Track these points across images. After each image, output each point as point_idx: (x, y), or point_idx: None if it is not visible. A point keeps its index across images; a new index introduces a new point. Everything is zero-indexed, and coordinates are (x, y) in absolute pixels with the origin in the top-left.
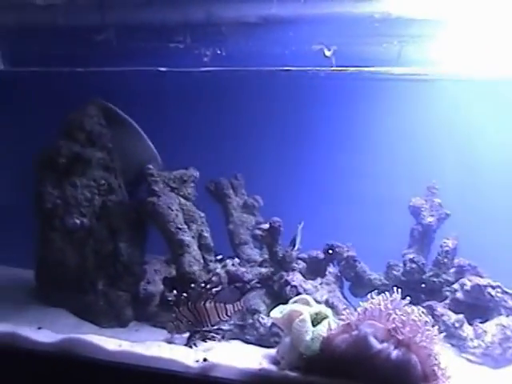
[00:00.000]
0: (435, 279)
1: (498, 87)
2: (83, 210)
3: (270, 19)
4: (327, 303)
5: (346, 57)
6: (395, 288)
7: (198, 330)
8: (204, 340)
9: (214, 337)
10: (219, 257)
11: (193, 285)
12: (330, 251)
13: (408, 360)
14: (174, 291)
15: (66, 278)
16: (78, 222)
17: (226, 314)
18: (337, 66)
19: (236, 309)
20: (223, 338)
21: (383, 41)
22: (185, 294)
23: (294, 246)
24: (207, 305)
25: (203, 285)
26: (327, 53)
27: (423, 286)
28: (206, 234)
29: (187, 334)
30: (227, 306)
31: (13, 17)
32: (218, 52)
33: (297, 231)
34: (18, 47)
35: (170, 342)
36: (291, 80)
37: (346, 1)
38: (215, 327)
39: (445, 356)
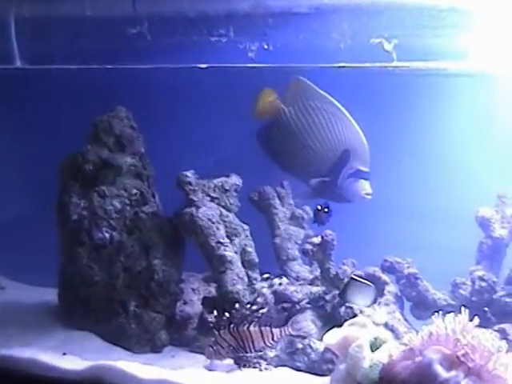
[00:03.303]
0: (508, 299)
1: None
2: (112, 222)
3: (323, 9)
4: (386, 326)
5: (408, 50)
6: (463, 309)
7: (241, 356)
8: (249, 367)
9: (258, 364)
10: (266, 275)
11: (236, 305)
12: (326, 209)
13: None
14: (215, 312)
15: (93, 298)
16: (106, 235)
17: (273, 339)
18: (399, 61)
19: (283, 334)
20: (268, 364)
21: (450, 33)
22: (226, 315)
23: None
24: (251, 328)
25: (247, 306)
26: (387, 46)
27: (485, 309)
28: (250, 249)
29: (228, 361)
30: (274, 330)
31: (33, 8)
32: (265, 47)
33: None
34: (38, 42)
35: (210, 369)
36: (347, 77)
37: None
38: (260, 353)
39: None
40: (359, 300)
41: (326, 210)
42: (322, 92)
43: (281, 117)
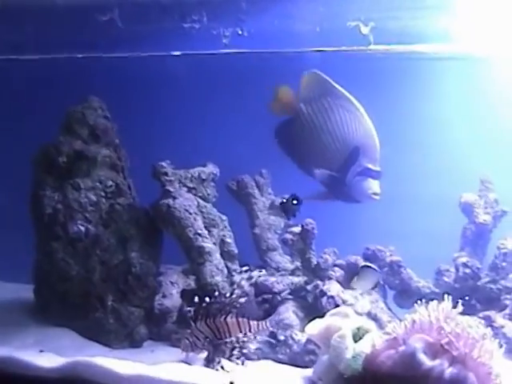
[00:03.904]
0: (492, 286)
1: None
2: (88, 215)
3: None
4: (369, 315)
5: (386, 34)
6: (446, 296)
7: (217, 347)
8: (228, 358)
9: (239, 356)
10: (245, 268)
11: (215, 294)
12: (294, 201)
13: (464, 379)
14: (196, 299)
15: (69, 293)
16: (82, 229)
17: (250, 331)
18: (376, 45)
19: (261, 327)
20: (248, 357)
21: (429, 14)
22: (204, 304)
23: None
24: (228, 319)
25: (225, 296)
26: (364, 30)
27: (466, 297)
28: (228, 240)
29: (205, 354)
30: (251, 322)
31: None
32: (239, 32)
33: None
34: (7, 31)
35: (189, 363)
36: (323, 62)
37: None
38: (239, 345)
39: (507, 374)
40: (362, 284)
41: (294, 201)
42: (337, 86)
43: (298, 114)
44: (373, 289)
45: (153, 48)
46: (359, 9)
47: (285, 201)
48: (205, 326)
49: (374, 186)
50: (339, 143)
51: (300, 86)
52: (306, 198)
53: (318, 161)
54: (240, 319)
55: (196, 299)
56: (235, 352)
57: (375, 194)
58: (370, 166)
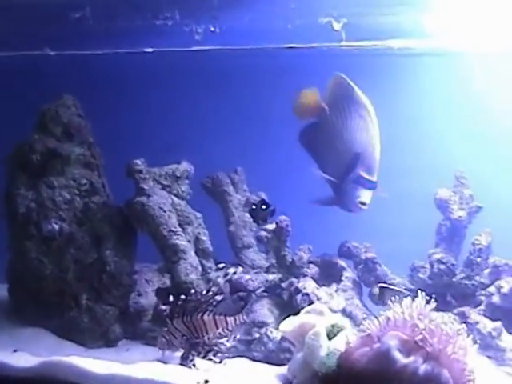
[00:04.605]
0: (467, 282)
1: None
2: (62, 213)
3: None
4: (344, 313)
5: (358, 30)
6: (420, 292)
7: (194, 346)
8: (204, 357)
9: (214, 354)
10: (221, 265)
11: (191, 292)
12: (264, 206)
13: (438, 375)
14: (171, 298)
15: (44, 292)
16: (56, 227)
17: (227, 328)
18: (348, 41)
19: (238, 322)
20: (225, 355)
21: (400, 10)
22: (180, 302)
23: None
24: (205, 317)
25: (201, 294)
26: (336, 26)
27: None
28: (203, 238)
29: (182, 352)
30: (228, 318)
31: None
32: (212, 29)
33: None
34: None
35: (165, 361)
36: (295, 58)
37: None
38: (216, 343)
39: (481, 370)
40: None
41: (263, 206)
42: (357, 91)
43: (321, 118)
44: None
45: (125, 45)
46: (331, 5)
47: (254, 207)
48: (181, 324)
49: (363, 195)
50: (346, 148)
51: (326, 88)
52: (311, 202)
53: (329, 164)
54: (217, 317)
55: (171, 298)
56: (212, 350)
57: (362, 203)
58: (364, 174)
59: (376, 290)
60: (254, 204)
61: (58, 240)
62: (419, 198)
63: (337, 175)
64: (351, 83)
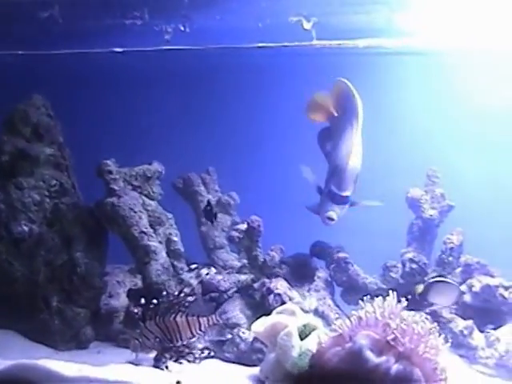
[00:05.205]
0: None
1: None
2: (32, 215)
3: None
4: (316, 313)
5: (328, 29)
6: (391, 291)
7: (167, 348)
8: (176, 360)
9: (187, 356)
10: (193, 266)
11: (163, 294)
12: (208, 207)
13: (410, 375)
14: (142, 300)
15: (14, 294)
16: (25, 229)
17: (200, 329)
18: (318, 40)
19: (211, 322)
20: (198, 357)
21: (371, 9)
22: (152, 305)
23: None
24: (178, 319)
25: (174, 296)
26: (306, 25)
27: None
28: (175, 238)
29: (155, 354)
30: (201, 319)
31: None
32: (182, 28)
33: None
34: None
35: (136, 363)
36: (266, 58)
37: None
38: (188, 344)
39: (453, 369)
40: (442, 300)
41: (208, 207)
42: (356, 98)
43: (331, 123)
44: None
45: (95, 45)
46: (302, 4)
47: (208, 208)
48: (154, 325)
49: (332, 210)
50: (331, 159)
51: (331, 93)
52: (306, 207)
53: (328, 172)
54: (190, 318)
55: (142, 300)
56: (185, 351)
57: (329, 218)
58: (335, 188)
59: (420, 288)
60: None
61: (27, 242)
62: (391, 198)
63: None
64: (352, 91)
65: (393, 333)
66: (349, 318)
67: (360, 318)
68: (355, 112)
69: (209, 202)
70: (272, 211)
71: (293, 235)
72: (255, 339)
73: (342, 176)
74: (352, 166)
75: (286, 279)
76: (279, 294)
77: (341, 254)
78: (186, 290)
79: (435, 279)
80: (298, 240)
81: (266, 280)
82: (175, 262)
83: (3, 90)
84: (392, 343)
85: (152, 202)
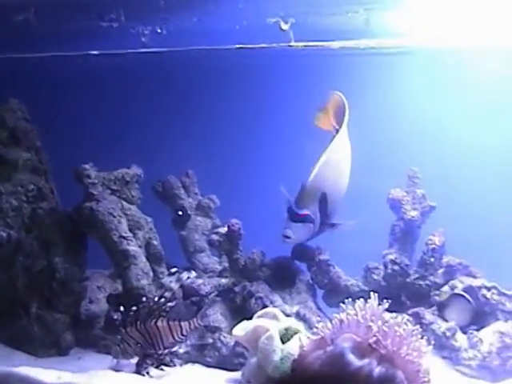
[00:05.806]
0: (421, 282)
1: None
2: (9, 220)
3: None
4: (298, 316)
5: (306, 30)
6: (373, 293)
7: (149, 354)
8: (158, 366)
9: (168, 362)
10: (173, 269)
11: (143, 299)
12: (180, 212)
13: (393, 377)
14: (121, 308)
15: None
16: (3, 234)
17: (182, 334)
18: (296, 41)
19: (193, 326)
20: (179, 362)
21: (348, 9)
22: (133, 311)
23: None
24: (159, 324)
25: (154, 301)
26: (284, 26)
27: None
28: (154, 242)
29: (137, 359)
30: (182, 323)
31: None
32: (158, 31)
33: None
34: None
35: (117, 369)
36: (244, 59)
37: None
38: (169, 350)
39: (436, 370)
40: (457, 317)
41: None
42: (346, 114)
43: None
44: (466, 326)
45: (71, 47)
46: (279, 5)
47: (180, 213)
48: (135, 331)
49: (288, 228)
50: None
51: (327, 105)
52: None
53: None
54: (171, 322)
55: (121, 308)
56: (167, 356)
57: (284, 236)
58: (293, 205)
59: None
60: (181, 209)
61: (5, 248)
62: (372, 199)
63: None
64: (344, 103)
65: (375, 335)
66: (330, 320)
67: (341, 321)
68: (342, 130)
69: (183, 208)
70: (253, 214)
71: (274, 238)
72: (236, 343)
73: (300, 193)
74: (310, 184)
75: (267, 282)
76: (260, 298)
77: (322, 257)
78: (167, 294)
79: (455, 292)
80: (279, 243)
81: (247, 283)
82: (155, 266)
83: None
84: (374, 346)
85: (131, 206)
